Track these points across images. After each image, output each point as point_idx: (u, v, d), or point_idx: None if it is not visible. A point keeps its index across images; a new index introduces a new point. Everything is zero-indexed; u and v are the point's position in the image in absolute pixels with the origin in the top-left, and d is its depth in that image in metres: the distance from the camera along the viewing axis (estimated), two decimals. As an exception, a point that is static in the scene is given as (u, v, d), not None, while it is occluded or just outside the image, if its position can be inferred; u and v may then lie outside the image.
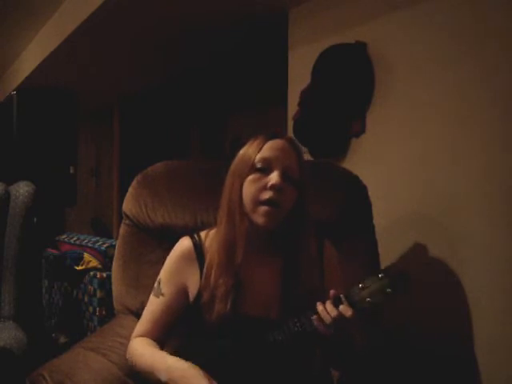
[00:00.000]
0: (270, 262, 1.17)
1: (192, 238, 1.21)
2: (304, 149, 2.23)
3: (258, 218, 1.09)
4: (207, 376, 1.03)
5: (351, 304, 0.98)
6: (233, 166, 1.16)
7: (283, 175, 1.09)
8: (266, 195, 1.08)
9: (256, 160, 1.10)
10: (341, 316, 0.98)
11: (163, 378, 1.07)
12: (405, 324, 1.73)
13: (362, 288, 0.98)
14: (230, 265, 1.11)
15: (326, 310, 1.00)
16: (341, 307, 0.99)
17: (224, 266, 1.11)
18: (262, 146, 1.12)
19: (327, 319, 0.99)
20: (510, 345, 1.53)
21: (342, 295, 1.00)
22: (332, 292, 1.02)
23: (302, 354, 1.13)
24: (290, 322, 1.05)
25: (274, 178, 1.08)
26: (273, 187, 1.08)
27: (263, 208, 1.08)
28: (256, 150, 1.11)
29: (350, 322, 0.99)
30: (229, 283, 1.10)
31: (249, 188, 1.10)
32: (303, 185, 1.14)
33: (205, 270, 1.15)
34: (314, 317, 1.01)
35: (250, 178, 1.10)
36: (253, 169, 1.10)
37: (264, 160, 1.10)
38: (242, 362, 1.07)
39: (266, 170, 1.10)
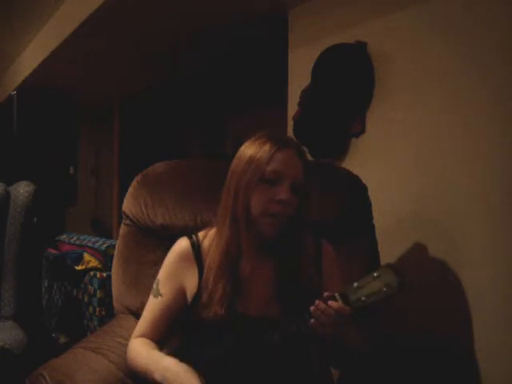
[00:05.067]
0: (267, 262, 1.17)
1: (190, 238, 1.21)
2: (304, 149, 2.23)
3: (264, 228, 1.10)
4: (201, 380, 1.03)
5: (346, 303, 0.98)
6: (238, 171, 1.12)
7: (291, 187, 1.09)
8: (275, 209, 1.08)
9: (267, 172, 1.09)
10: (335, 314, 0.98)
11: (158, 378, 1.08)
12: (405, 324, 1.73)
13: (358, 287, 0.97)
14: (230, 269, 1.11)
15: (320, 309, 0.99)
16: (336, 306, 0.98)
17: (224, 271, 1.12)
18: (272, 156, 1.09)
19: (321, 318, 0.99)
20: (510, 345, 1.53)
21: (336, 294, 0.99)
22: (326, 292, 1.01)
23: (300, 354, 1.13)
24: (286, 321, 1.05)
25: (283, 192, 1.08)
26: (281, 202, 1.07)
27: (270, 220, 1.09)
28: (266, 160, 1.09)
29: (347, 321, 0.99)
30: (227, 287, 1.10)
31: (257, 199, 1.09)
32: (306, 192, 1.14)
33: (205, 271, 1.15)
34: (311, 313, 1.01)
35: (259, 188, 1.09)
36: (262, 179, 1.09)
37: (275, 173, 1.09)
38: (240, 362, 1.07)
39: (275, 181, 1.09)
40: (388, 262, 1.78)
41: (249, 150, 1.13)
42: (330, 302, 0.99)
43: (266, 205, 1.08)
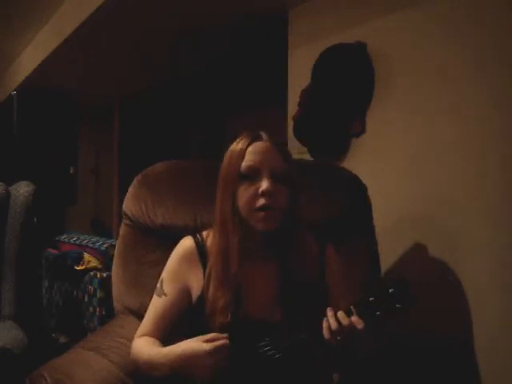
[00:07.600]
0: (268, 264, 1.17)
1: (194, 237, 1.21)
2: (304, 149, 2.23)
3: (257, 224, 1.10)
4: (205, 346, 1.01)
5: (361, 317, 0.99)
6: (221, 175, 1.16)
7: (272, 177, 1.09)
8: (260, 202, 1.08)
9: (242, 169, 1.10)
10: (350, 327, 0.98)
11: (165, 371, 1.07)
12: (405, 324, 1.73)
13: (372, 302, 0.98)
14: (227, 276, 1.11)
15: (337, 319, 0.99)
16: (352, 318, 0.99)
17: (221, 279, 1.11)
18: (245, 153, 1.11)
19: (335, 328, 0.99)
20: (509, 344, 1.53)
21: (352, 307, 1.00)
22: (344, 304, 1.01)
23: (303, 358, 1.13)
24: (295, 328, 1.04)
25: (263, 184, 1.08)
26: (264, 194, 1.08)
27: (259, 214, 1.09)
28: (240, 158, 1.11)
29: (358, 333, 0.99)
30: (227, 296, 1.09)
31: (241, 197, 1.10)
32: (293, 181, 1.14)
33: (206, 275, 1.15)
34: (323, 323, 1.01)
35: (241, 187, 1.10)
36: (241, 178, 1.11)
37: (249, 168, 1.10)
38: (244, 366, 1.06)
39: (253, 176, 1.10)
40: (390, 262, 1.80)
41: (228, 152, 1.16)
42: (343, 315, 0.99)
43: (250, 201, 1.09)
